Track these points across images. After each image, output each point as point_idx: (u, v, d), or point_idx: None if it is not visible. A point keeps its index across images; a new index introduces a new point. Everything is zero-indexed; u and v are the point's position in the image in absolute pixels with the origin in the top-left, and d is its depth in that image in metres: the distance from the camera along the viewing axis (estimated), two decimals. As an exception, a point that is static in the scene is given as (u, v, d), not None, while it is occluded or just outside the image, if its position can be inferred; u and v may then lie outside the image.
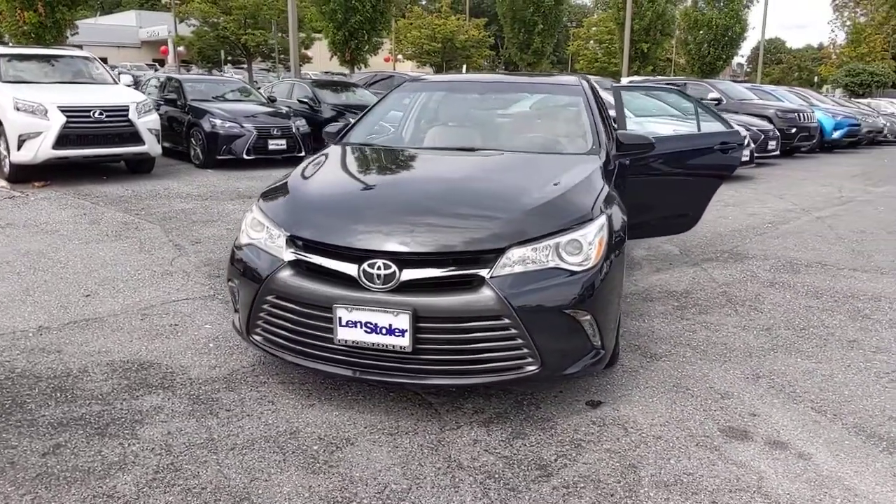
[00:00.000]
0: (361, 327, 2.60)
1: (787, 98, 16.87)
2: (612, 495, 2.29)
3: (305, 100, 12.90)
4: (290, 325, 2.78)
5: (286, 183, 3.28)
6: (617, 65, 49.99)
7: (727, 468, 2.47)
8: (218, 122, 10.27)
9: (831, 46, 49.30)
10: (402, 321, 2.56)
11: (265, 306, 2.83)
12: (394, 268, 2.60)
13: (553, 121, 4.18)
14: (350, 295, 2.62)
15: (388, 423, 2.75)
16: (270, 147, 10.62)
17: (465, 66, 36.91)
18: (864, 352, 3.59)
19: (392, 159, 3.73)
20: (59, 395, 2.94)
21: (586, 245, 2.73)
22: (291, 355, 2.82)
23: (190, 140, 10.61)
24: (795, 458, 2.55)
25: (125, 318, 3.90)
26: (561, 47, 55.89)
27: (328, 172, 3.44)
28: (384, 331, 2.58)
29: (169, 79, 12.12)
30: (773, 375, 3.29)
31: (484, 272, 2.60)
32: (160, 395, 2.97)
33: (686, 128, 5.31)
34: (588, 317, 2.69)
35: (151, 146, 8.91)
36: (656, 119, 5.76)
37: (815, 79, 53.50)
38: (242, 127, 10.37)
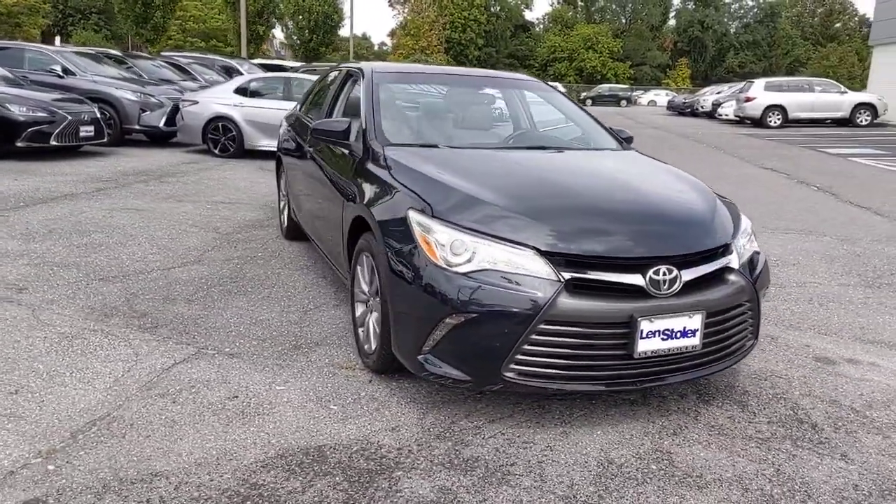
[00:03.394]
0: (659, 336, 2.54)
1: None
2: (867, 425, 2.81)
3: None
4: (567, 350, 2.50)
5: (462, 193, 2.78)
6: (203, 45, 47.82)
7: (868, 384, 3.23)
8: None
9: (393, 38, 56.25)
10: (696, 321, 2.60)
11: (532, 336, 2.47)
12: (676, 271, 2.59)
13: (561, 116, 4.32)
14: (648, 305, 2.52)
15: (651, 427, 2.73)
16: None
17: (57, 39, 30.52)
18: (776, 289, 4.83)
19: (519, 161, 3.43)
20: (291, 522, 2.05)
21: (750, 229, 3.14)
22: (562, 383, 2.54)
23: None
24: (875, 366, 3.47)
25: (146, 409, 2.72)
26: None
27: (494, 177, 3.03)
28: (678, 334, 2.58)
29: None
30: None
31: (735, 264, 2.80)
32: (443, 476, 2.32)
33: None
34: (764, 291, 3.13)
35: None
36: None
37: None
38: None
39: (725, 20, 68.08)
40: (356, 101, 4.10)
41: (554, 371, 2.53)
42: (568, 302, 2.46)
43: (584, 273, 2.52)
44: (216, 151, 10.88)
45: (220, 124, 10.89)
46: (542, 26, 75.54)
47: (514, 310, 2.45)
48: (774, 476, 2.41)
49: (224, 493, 2.19)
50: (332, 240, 3.81)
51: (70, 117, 9.64)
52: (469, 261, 2.54)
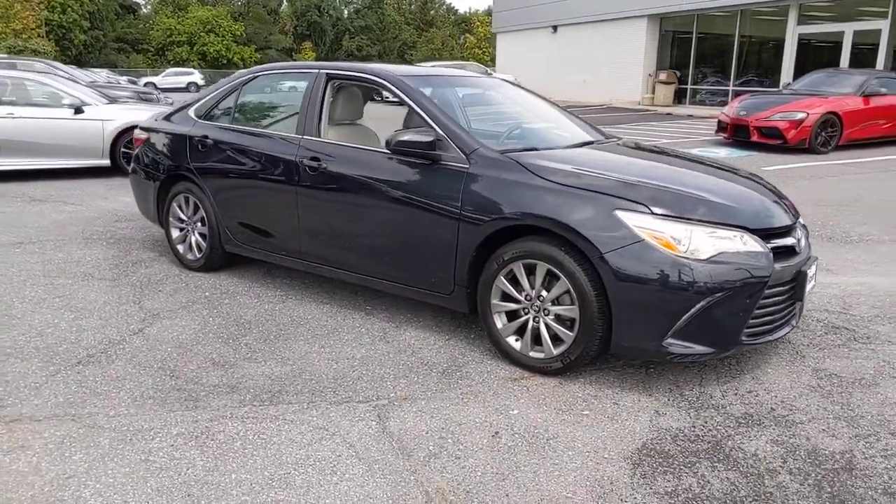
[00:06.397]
0: (809, 283, 3.26)
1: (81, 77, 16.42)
2: (866, 320, 3.94)
3: None
4: (769, 307, 3.05)
5: (659, 188, 3.04)
6: None
7: (821, 295, 4.47)
8: None
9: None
10: (815, 267, 3.38)
11: (760, 301, 2.96)
12: (800, 231, 3.34)
13: (548, 113, 4.56)
14: (802, 259, 3.20)
15: (784, 357, 3.46)
16: None
17: None
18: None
19: (632, 157, 3.79)
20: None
21: None
22: (767, 336, 3.09)
23: None
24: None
25: (464, 470, 2.44)
26: None
27: (650, 173, 3.34)
28: (811, 280, 3.33)
29: None
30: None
31: (802, 220, 3.65)
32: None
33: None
34: None
35: None
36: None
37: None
38: None
39: (339, 4, 72.00)
40: (391, 110, 3.84)
41: (761, 328, 3.07)
42: (776, 267, 3.01)
43: (772, 242, 3.09)
44: None
45: None
46: (149, 7, 69.51)
47: (753, 281, 2.91)
48: (889, 366, 3.36)
49: (664, 509, 2.23)
50: (417, 260, 3.56)
51: None
52: (701, 248, 2.88)
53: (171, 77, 43.99)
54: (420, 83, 3.94)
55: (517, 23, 27.47)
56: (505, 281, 3.26)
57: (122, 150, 8.94)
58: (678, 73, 20.75)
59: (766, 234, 3.08)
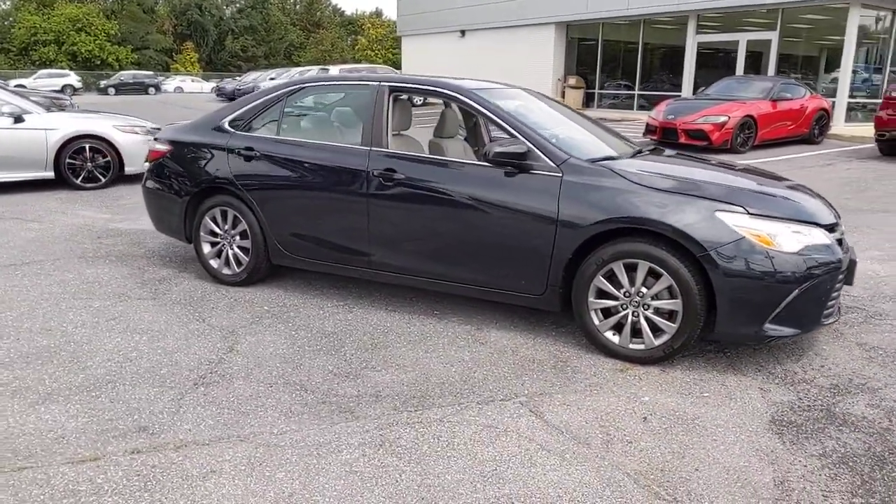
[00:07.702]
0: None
1: None
2: (870, 299, 4.59)
3: None
4: (834, 292, 3.53)
5: (744, 190, 3.46)
6: None
7: None
8: None
9: None
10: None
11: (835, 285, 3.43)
12: (841, 226, 3.88)
13: (574, 122, 4.81)
14: (848, 249, 3.72)
15: (832, 337, 3.98)
16: None
17: None
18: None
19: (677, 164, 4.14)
20: None
21: None
22: (834, 317, 3.58)
23: None
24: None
25: (639, 457, 2.70)
26: None
27: (715, 177, 3.74)
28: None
29: None
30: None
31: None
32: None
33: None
34: None
35: None
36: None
37: None
38: None
39: (221, 3, 69.20)
40: (453, 121, 4.00)
41: (830, 310, 3.55)
42: (842, 256, 3.50)
43: (835, 235, 3.57)
44: None
45: None
46: (8, 3, 63.56)
47: (832, 269, 3.37)
48: (912, 335, 3.97)
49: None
50: (507, 264, 3.75)
51: None
52: (790, 242, 3.30)
53: (44, 79, 40.49)
54: (492, 96, 4.14)
55: (423, 27, 27.81)
56: (603, 279, 3.55)
57: (68, 161, 8.38)
58: (584, 80, 21.94)
59: (826, 229, 3.56)
